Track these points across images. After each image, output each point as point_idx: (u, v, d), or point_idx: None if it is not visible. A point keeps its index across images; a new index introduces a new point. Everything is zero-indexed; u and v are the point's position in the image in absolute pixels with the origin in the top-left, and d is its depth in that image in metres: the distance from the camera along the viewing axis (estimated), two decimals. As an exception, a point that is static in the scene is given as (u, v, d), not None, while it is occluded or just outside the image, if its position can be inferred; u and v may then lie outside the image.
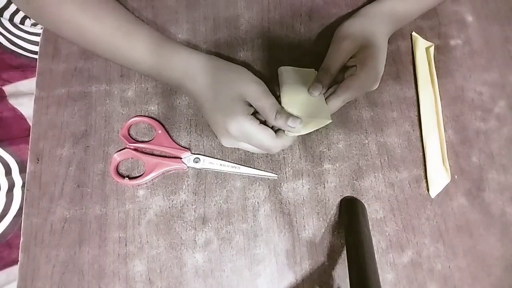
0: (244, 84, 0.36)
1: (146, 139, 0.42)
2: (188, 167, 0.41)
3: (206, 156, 0.41)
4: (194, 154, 0.41)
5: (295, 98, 0.38)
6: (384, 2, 0.43)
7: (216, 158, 0.41)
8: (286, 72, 0.42)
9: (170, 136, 0.42)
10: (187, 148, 0.42)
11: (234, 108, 0.35)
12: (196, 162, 0.41)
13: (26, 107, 0.57)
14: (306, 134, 0.37)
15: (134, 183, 0.40)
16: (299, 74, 0.41)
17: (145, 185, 0.40)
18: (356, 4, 0.47)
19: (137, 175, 0.41)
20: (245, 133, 0.35)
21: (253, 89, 0.36)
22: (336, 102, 0.38)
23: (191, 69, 0.38)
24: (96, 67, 0.45)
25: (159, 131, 0.42)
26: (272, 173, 0.41)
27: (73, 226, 0.39)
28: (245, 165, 0.41)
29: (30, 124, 0.42)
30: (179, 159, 0.41)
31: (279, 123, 0.35)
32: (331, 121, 0.36)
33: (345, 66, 0.40)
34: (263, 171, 0.41)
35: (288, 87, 0.39)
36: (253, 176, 0.41)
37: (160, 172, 0.40)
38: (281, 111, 0.35)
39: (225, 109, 0.35)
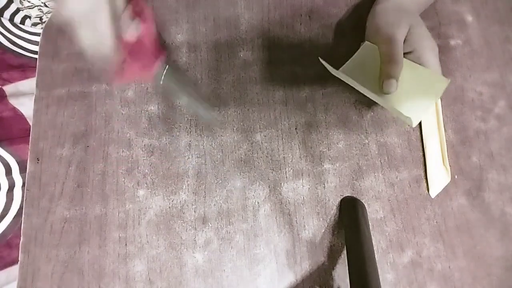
0: None
1: None
2: None
3: None
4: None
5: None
6: None
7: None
8: (348, 70, 0.38)
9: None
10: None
11: None
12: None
13: (26, 107, 0.57)
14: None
15: None
16: (360, 62, 0.38)
17: (145, 185, 0.40)
18: (356, 4, 0.47)
19: None
20: None
21: None
22: None
23: None
24: (96, 67, 0.45)
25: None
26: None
27: (73, 226, 0.39)
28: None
29: (30, 124, 0.43)
30: None
31: None
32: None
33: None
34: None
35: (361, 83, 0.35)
36: (253, 176, 0.41)
37: None
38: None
39: None
